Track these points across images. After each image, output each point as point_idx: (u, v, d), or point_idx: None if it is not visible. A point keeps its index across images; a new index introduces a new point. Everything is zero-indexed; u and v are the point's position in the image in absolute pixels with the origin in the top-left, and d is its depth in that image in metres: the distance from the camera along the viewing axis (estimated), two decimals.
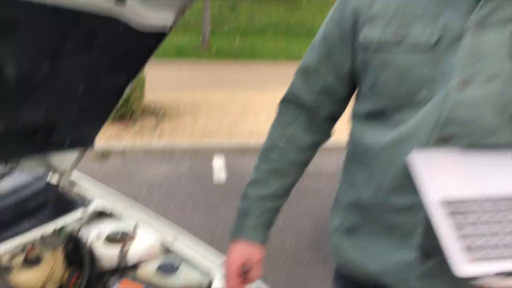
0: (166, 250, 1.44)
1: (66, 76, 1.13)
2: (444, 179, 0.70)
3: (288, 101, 0.94)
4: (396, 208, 0.80)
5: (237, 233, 0.94)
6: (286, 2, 17.08)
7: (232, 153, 4.45)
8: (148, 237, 1.44)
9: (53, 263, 1.31)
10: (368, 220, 0.86)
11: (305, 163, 0.96)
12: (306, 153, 0.94)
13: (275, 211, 0.95)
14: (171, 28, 1.22)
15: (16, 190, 1.48)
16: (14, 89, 1.06)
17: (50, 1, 0.89)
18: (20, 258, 1.27)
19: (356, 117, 0.88)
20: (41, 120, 1.24)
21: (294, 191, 0.97)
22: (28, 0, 0.86)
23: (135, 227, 1.47)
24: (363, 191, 0.86)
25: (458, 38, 0.71)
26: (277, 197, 0.94)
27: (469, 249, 0.63)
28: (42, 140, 1.33)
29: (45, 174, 1.61)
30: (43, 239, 1.36)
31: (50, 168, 1.57)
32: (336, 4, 0.86)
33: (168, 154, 4.30)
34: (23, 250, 1.30)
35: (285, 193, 0.96)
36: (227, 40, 12.83)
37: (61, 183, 1.60)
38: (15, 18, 0.89)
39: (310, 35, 14.42)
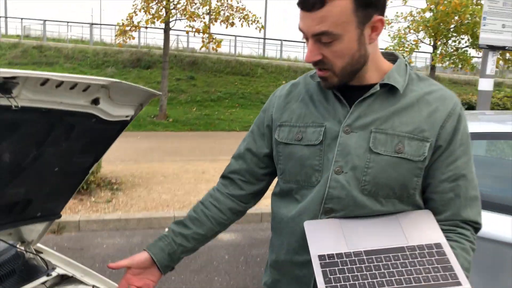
0: None
1: (46, 160, 1.40)
2: (322, 240, 0.98)
3: (223, 176, 1.24)
4: (299, 264, 1.07)
5: (147, 247, 1.15)
6: (241, 74, 18.06)
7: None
8: None
9: None
10: (283, 275, 1.12)
11: (220, 223, 1.20)
12: (223, 215, 1.20)
13: (184, 249, 1.17)
14: (132, 118, 1.54)
15: None
16: (6, 172, 1.31)
17: (44, 105, 1.19)
18: None
19: (273, 195, 1.17)
20: (22, 195, 1.47)
21: None
22: (29, 106, 1.15)
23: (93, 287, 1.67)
24: (278, 253, 1.12)
25: (335, 138, 1.02)
26: (190, 239, 1.17)
27: (327, 281, 0.90)
28: (19, 212, 1.55)
29: (14, 244, 1.79)
30: None
31: (20, 238, 1.76)
32: (262, 110, 1.20)
33: (122, 226, 4.41)
34: None
35: (198, 239, 1.18)
36: (183, 111, 13.30)
37: (28, 252, 1.79)
38: (17, 120, 1.18)
39: (263, 104, 15.23)
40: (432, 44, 12.59)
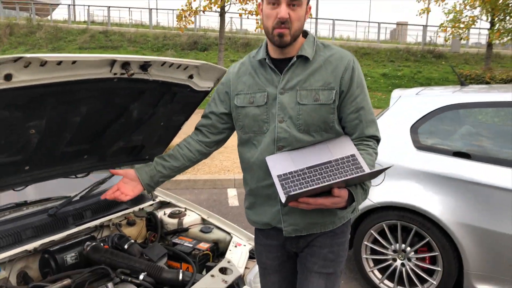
0: (203, 221, 2.32)
1: (157, 116, 2.07)
2: (279, 166, 1.45)
3: (196, 128, 1.73)
4: (266, 186, 1.52)
5: (135, 168, 1.64)
6: None
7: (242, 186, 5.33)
8: (193, 214, 2.33)
9: (141, 226, 2.20)
10: (257, 197, 1.57)
11: (190, 160, 1.67)
12: (192, 154, 1.67)
13: (162, 175, 1.62)
14: (211, 88, 2.17)
15: None
16: (133, 124, 2.00)
17: (159, 78, 1.84)
18: (124, 221, 2.16)
19: (238, 145, 1.63)
20: (139, 142, 2.17)
21: None
22: (149, 79, 1.80)
23: (185, 209, 2.37)
24: (251, 183, 1.57)
25: (274, 98, 1.48)
26: (166, 168, 1.63)
27: (286, 192, 1.38)
28: (136, 154, 2.26)
29: None
30: (134, 213, 2.25)
31: None
32: (220, 82, 1.69)
33: (191, 185, 5.18)
34: (125, 218, 2.19)
35: (172, 169, 1.64)
36: None
37: None
38: (141, 89, 1.84)
39: None
40: (489, 20, 12.25)
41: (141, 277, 1.73)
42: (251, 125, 1.54)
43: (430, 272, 2.74)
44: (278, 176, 1.42)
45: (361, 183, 1.41)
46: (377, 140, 1.54)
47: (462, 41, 15.23)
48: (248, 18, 11.56)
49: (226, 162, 6.07)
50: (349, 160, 1.42)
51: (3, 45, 18.41)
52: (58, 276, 1.72)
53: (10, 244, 1.76)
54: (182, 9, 10.29)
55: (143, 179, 1.61)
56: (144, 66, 1.68)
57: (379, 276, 2.92)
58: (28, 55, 1.28)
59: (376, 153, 1.51)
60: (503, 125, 2.87)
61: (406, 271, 2.81)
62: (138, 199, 2.42)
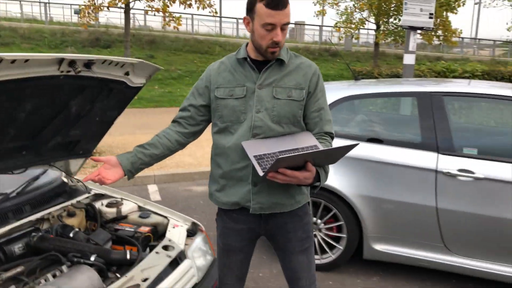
0: (140, 208, 2.50)
1: (93, 112, 2.20)
2: (255, 149, 1.63)
3: (174, 120, 1.83)
4: (240, 168, 1.69)
5: (117, 155, 1.70)
6: (199, 52, 18.55)
7: (162, 181, 5.47)
8: (129, 203, 2.50)
9: (81, 217, 2.31)
10: (229, 180, 1.73)
11: (169, 149, 1.78)
12: (171, 144, 1.78)
13: (142, 162, 1.72)
14: (143, 84, 2.36)
15: (50, 183, 2.45)
16: (71, 119, 2.11)
17: (98, 75, 1.99)
18: (64, 213, 2.26)
19: (214, 133, 1.77)
20: (76, 136, 2.28)
21: None
22: (88, 75, 1.95)
23: (121, 199, 2.52)
24: (224, 167, 1.73)
25: (253, 92, 1.68)
26: (147, 155, 1.73)
27: (263, 168, 1.56)
28: (71, 149, 2.36)
29: (59, 175, 2.59)
30: (72, 205, 2.35)
31: (67, 169, 2.56)
32: (199, 79, 1.81)
33: (111, 185, 5.16)
34: (64, 210, 2.29)
35: (152, 157, 1.74)
36: (146, 89, 13.79)
37: (71, 180, 2.59)
38: (82, 85, 1.98)
39: None
40: (375, 22, 13.71)
41: (92, 258, 1.88)
42: (229, 115, 1.71)
43: (337, 240, 3.22)
44: (255, 156, 1.60)
45: (323, 166, 1.64)
46: (332, 137, 1.80)
47: (354, 40, 16.76)
48: (154, 15, 11.48)
49: None
50: (312, 148, 1.65)
51: None
52: (9, 265, 1.81)
53: None
54: (85, 5, 9.92)
55: (125, 165, 1.69)
56: (88, 64, 1.84)
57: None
58: None
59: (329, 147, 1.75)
60: (389, 113, 3.46)
61: (318, 241, 3.26)
62: (73, 193, 2.51)
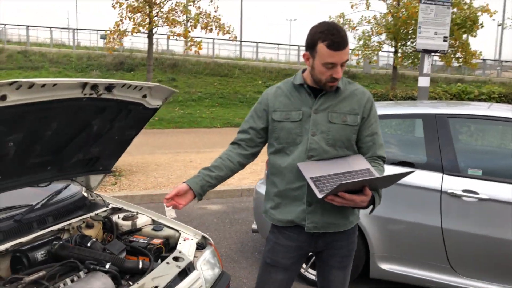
0: (154, 222, 2.65)
1: (113, 131, 2.39)
2: (311, 170, 1.71)
3: (233, 142, 1.94)
4: (294, 189, 1.79)
5: (186, 181, 1.81)
6: (219, 75, 18.99)
7: None
8: (144, 217, 2.66)
9: (99, 228, 2.48)
10: (284, 198, 1.83)
11: (232, 170, 1.88)
12: (233, 165, 1.88)
13: (209, 184, 1.82)
14: (160, 106, 2.54)
15: (71, 196, 2.63)
16: (92, 137, 2.30)
17: (118, 97, 2.18)
18: (83, 225, 2.43)
19: (270, 153, 1.89)
20: (96, 153, 2.46)
21: None
22: (109, 98, 2.14)
23: (136, 213, 2.68)
24: (279, 186, 1.83)
25: (309, 116, 1.78)
26: (213, 178, 1.84)
27: (320, 190, 1.63)
28: (91, 165, 2.54)
29: (80, 190, 2.77)
30: (91, 217, 2.52)
31: (87, 184, 2.75)
32: (257, 102, 1.92)
33: (128, 201, 5.35)
34: (83, 222, 2.46)
35: (217, 179, 1.85)
36: (167, 110, 14.18)
37: (91, 194, 2.77)
38: (103, 106, 2.17)
39: (242, 103, 16.27)
40: (393, 46, 13.84)
41: (107, 266, 2.03)
42: (286, 137, 1.81)
43: None
44: (311, 178, 1.66)
45: (377, 190, 1.73)
46: (383, 160, 1.88)
47: (373, 63, 16.90)
48: (176, 40, 11.92)
49: (161, 178, 6.32)
50: (365, 172, 1.72)
51: None
52: (31, 270, 1.97)
53: None
54: (111, 31, 10.41)
55: (195, 189, 1.79)
56: (109, 88, 2.03)
57: (304, 266, 3.41)
58: (22, 80, 1.59)
59: (383, 171, 1.83)
60: (396, 134, 3.55)
61: None
62: (92, 206, 2.69)
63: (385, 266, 3.10)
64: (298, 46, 24.44)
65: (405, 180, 3.04)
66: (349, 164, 1.76)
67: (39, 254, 2.08)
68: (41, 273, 1.92)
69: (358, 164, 1.76)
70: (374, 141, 1.84)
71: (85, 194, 2.76)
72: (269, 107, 1.87)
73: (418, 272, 3.02)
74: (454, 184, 2.91)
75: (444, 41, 6.57)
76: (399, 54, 13.41)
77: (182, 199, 1.78)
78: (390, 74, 17.01)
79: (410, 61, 13.49)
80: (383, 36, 13.97)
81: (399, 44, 13.55)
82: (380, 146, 1.86)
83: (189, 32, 11.13)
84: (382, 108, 3.50)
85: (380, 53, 18.86)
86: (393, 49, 14.31)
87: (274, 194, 1.88)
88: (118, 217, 2.61)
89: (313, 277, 3.36)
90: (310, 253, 3.32)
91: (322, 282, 1.96)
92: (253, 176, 6.33)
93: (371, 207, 1.72)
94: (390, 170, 3.10)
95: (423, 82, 6.72)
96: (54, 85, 1.74)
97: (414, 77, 21.39)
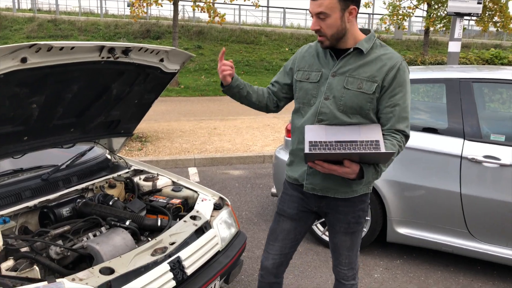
0: (174, 183, 2.74)
1: (132, 94, 2.45)
2: (315, 134, 1.67)
3: (267, 87, 1.98)
4: (302, 149, 1.78)
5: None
6: (246, 42, 18.78)
7: (202, 165, 5.76)
8: (164, 178, 2.75)
9: (121, 188, 2.59)
10: (295, 157, 1.86)
11: (260, 101, 1.92)
12: (263, 98, 1.92)
13: (241, 91, 1.85)
14: (178, 70, 2.57)
15: (95, 158, 2.75)
16: (112, 101, 2.38)
17: (135, 61, 2.23)
18: (106, 185, 2.55)
19: (292, 112, 1.90)
20: (116, 117, 2.55)
21: None
22: (126, 61, 2.18)
23: (157, 174, 2.78)
24: (293, 145, 1.87)
25: (326, 79, 1.74)
26: (245, 91, 1.87)
27: (310, 149, 1.60)
28: (113, 128, 2.63)
29: (103, 152, 2.88)
30: (114, 178, 2.63)
31: (110, 147, 2.85)
32: (290, 59, 1.93)
33: (153, 165, 5.52)
34: (106, 182, 2.57)
35: (247, 96, 1.88)
36: (193, 78, 14.25)
37: (114, 157, 2.89)
38: (121, 70, 2.22)
39: (268, 71, 16.11)
40: (426, 9, 13.26)
41: (127, 222, 2.14)
42: (303, 97, 1.81)
43: None
44: (309, 142, 1.64)
45: (374, 164, 1.64)
46: (405, 135, 1.72)
47: (402, 29, 16.28)
48: (201, 12, 11.83)
49: (185, 144, 6.45)
50: (373, 143, 1.61)
51: None
52: (58, 225, 2.10)
53: (13, 202, 2.10)
54: None
55: (235, 78, 1.85)
56: (126, 51, 2.08)
57: (322, 229, 3.47)
58: (41, 42, 1.65)
59: (400, 146, 1.69)
60: (418, 99, 3.48)
61: None
62: (115, 168, 2.80)
63: (402, 230, 3.12)
64: None
65: (425, 145, 3.01)
66: (359, 133, 1.67)
67: (65, 211, 2.21)
68: (66, 228, 2.05)
69: (369, 135, 1.66)
70: (395, 113, 1.69)
71: (108, 156, 2.87)
72: (295, 65, 1.88)
73: (435, 237, 3.03)
74: (475, 150, 2.85)
75: (478, 3, 6.25)
76: (430, 17, 12.86)
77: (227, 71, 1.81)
78: (422, 40, 16.38)
79: (442, 24, 12.90)
80: (415, 1, 13.37)
81: (432, 8, 12.96)
82: (402, 119, 1.70)
83: (212, 4, 11.00)
84: None
85: (413, 19, 18.12)
86: (425, 14, 13.73)
87: (289, 152, 1.93)
88: (140, 178, 2.72)
89: None
90: None
91: (331, 245, 1.99)
92: (275, 143, 6.36)
93: (362, 180, 1.65)
94: (415, 137, 3.07)
95: (454, 47, 6.48)
96: (72, 48, 1.80)
97: (447, 44, 20.49)
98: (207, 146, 6.32)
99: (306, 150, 1.61)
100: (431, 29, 13.26)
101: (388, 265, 3.16)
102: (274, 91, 1.96)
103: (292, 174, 1.90)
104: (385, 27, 14.13)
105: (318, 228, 3.47)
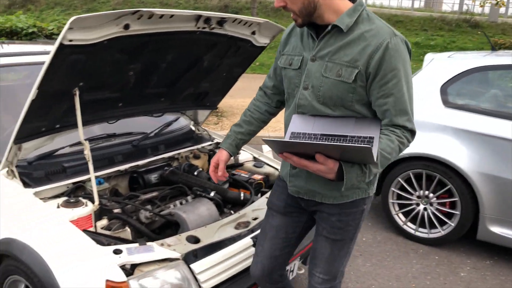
0: (255, 159, 2.72)
1: (221, 67, 2.43)
2: (301, 125, 1.46)
3: (260, 89, 1.80)
4: None
5: (220, 144, 1.73)
6: None
7: None
8: (246, 153, 2.74)
9: (205, 160, 2.62)
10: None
11: (263, 121, 1.76)
12: (263, 116, 1.75)
13: (242, 141, 1.73)
14: (267, 44, 2.50)
15: (181, 129, 2.79)
16: (203, 72, 2.37)
17: (229, 33, 2.18)
18: (191, 155, 2.59)
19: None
20: (205, 88, 2.55)
21: None
22: (220, 33, 2.14)
23: None
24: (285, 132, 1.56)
25: (306, 64, 1.44)
26: (245, 134, 1.73)
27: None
28: (200, 100, 2.65)
29: (188, 123, 2.92)
30: (198, 150, 2.66)
31: (195, 119, 2.89)
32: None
33: None
34: (191, 153, 2.61)
35: (249, 133, 1.74)
36: (268, 56, 14.20)
37: (198, 128, 2.92)
38: (214, 42, 2.19)
39: None
40: None
41: (212, 194, 2.15)
42: (287, 87, 1.55)
43: (449, 216, 3.09)
44: (292, 133, 1.46)
45: (361, 164, 1.30)
46: (408, 130, 1.40)
47: (501, 10, 14.78)
48: None
49: None
50: (365, 140, 1.34)
51: (40, 6, 18.96)
52: (146, 190, 2.17)
53: (106, 165, 2.19)
54: None
55: (233, 152, 1.74)
56: (221, 22, 2.04)
57: (403, 219, 3.29)
58: (143, 9, 1.66)
59: (402, 142, 1.39)
60: None
61: (428, 214, 3.16)
62: (199, 139, 2.83)
63: (495, 229, 2.86)
64: None
65: None
66: (353, 128, 1.40)
67: (153, 177, 2.27)
68: (154, 193, 2.11)
69: (364, 130, 1.39)
70: (389, 105, 1.36)
71: (193, 128, 2.91)
72: (281, 49, 1.60)
73: None
74: None
75: None
76: None
77: (221, 170, 1.69)
78: None
79: None
80: None
81: None
82: (401, 113, 1.37)
83: None
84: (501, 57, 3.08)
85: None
86: None
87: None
88: None
89: (412, 231, 3.23)
90: (412, 207, 3.20)
91: (311, 251, 1.69)
92: None
93: (342, 182, 1.30)
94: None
95: None
96: (171, 16, 1.79)
97: None
98: (280, 125, 6.27)
99: (286, 139, 1.40)
100: None
101: (476, 265, 2.93)
102: (272, 85, 1.73)
103: (281, 171, 1.69)
104: (480, 2, 12.79)
105: (399, 217, 3.30)
